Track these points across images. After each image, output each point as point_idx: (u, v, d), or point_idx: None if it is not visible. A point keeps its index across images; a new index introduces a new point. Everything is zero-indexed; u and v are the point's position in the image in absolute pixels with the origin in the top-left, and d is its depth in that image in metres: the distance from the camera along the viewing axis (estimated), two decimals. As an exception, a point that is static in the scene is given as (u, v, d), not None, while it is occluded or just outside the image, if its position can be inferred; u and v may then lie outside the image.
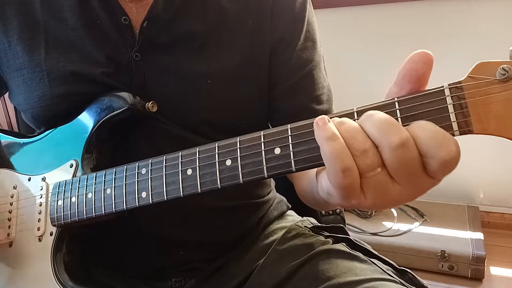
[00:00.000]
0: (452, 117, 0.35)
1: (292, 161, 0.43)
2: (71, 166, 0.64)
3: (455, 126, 0.35)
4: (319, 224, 0.77)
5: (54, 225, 0.63)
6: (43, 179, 0.66)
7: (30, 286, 0.64)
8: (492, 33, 1.76)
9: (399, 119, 0.37)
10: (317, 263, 0.65)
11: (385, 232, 1.78)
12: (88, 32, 0.63)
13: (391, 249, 1.70)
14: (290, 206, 0.85)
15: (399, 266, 0.66)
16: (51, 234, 0.63)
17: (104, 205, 0.57)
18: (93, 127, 0.63)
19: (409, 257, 1.68)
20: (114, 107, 0.61)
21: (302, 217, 0.81)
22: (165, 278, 0.72)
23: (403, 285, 0.61)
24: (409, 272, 0.64)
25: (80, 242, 0.66)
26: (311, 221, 0.79)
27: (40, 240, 0.64)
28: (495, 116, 0.33)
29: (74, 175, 0.63)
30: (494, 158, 1.93)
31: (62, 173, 0.64)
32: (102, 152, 0.65)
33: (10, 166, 0.73)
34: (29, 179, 0.69)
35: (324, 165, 0.40)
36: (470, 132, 0.35)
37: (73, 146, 0.65)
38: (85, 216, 0.59)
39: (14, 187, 0.70)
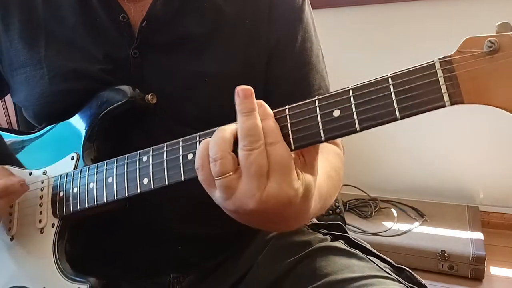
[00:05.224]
0: (443, 89, 0.37)
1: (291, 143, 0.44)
2: (72, 158, 0.64)
3: (446, 97, 0.37)
4: (318, 222, 0.77)
5: (56, 217, 0.64)
6: (44, 173, 0.67)
7: (32, 277, 0.65)
8: (491, 34, 1.75)
9: (393, 93, 0.39)
10: (314, 259, 0.66)
11: (385, 232, 1.78)
12: (87, 30, 0.64)
13: (391, 249, 1.70)
14: None
15: (397, 265, 0.66)
16: (52, 226, 0.64)
17: (105, 194, 0.58)
18: (95, 119, 0.64)
19: (409, 257, 1.67)
20: (114, 100, 0.62)
21: None
22: (164, 273, 0.73)
23: (401, 282, 0.61)
24: (407, 270, 0.65)
25: (82, 234, 0.66)
26: (311, 221, 0.79)
27: (42, 232, 0.65)
28: (483, 86, 0.36)
29: (75, 167, 0.64)
30: (494, 158, 1.93)
31: (64, 166, 0.65)
32: (102, 145, 0.65)
33: (10, 163, 0.73)
34: (30, 174, 0.69)
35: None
36: (461, 102, 0.37)
37: (74, 139, 0.66)
38: (86, 205, 0.60)
39: None
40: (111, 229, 0.68)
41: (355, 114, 0.41)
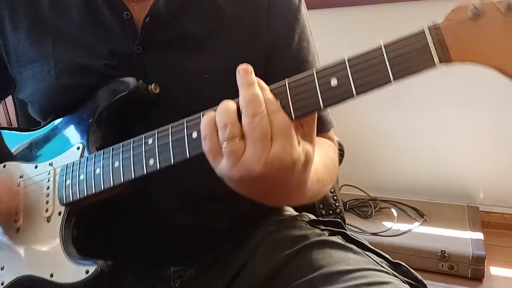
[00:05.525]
0: (433, 51, 0.40)
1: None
2: (78, 148, 0.66)
3: (435, 58, 0.40)
4: (316, 218, 0.79)
5: (62, 205, 0.65)
6: (50, 164, 0.69)
7: (40, 265, 0.66)
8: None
9: (386, 59, 0.42)
10: (311, 252, 0.67)
11: (385, 232, 1.78)
12: (93, 28, 0.67)
13: (391, 249, 1.70)
14: None
15: (394, 260, 0.68)
16: (59, 214, 0.65)
17: (112, 177, 0.59)
18: (100, 111, 0.65)
19: (409, 257, 1.68)
20: (119, 91, 0.64)
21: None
22: (164, 266, 0.74)
23: (396, 276, 0.63)
24: (404, 266, 0.66)
25: (87, 221, 0.68)
26: (309, 216, 0.80)
27: (48, 221, 0.66)
28: (469, 47, 0.40)
29: (81, 157, 0.65)
30: (494, 158, 1.93)
31: (69, 156, 0.67)
32: (107, 136, 0.67)
33: (16, 159, 0.75)
34: (36, 167, 0.71)
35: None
36: (449, 61, 0.40)
37: (79, 131, 0.67)
38: (93, 190, 0.60)
39: (20, 176, 0.73)
40: (114, 220, 0.69)
41: (351, 81, 0.43)
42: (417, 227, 1.81)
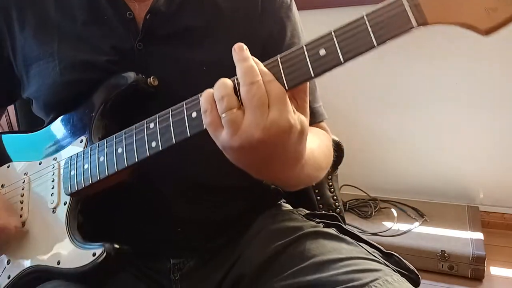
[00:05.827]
0: (410, 15, 0.44)
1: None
2: (81, 141, 0.68)
3: (413, 20, 0.44)
4: (312, 212, 0.81)
5: (68, 195, 0.67)
6: (55, 159, 0.71)
7: (47, 254, 0.67)
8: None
9: (369, 26, 0.45)
10: (304, 242, 0.69)
11: (385, 232, 1.79)
12: (96, 27, 0.70)
13: (391, 249, 1.68)
14: (284, 199, 0.88)
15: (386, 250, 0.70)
16: (64, 204, 0.67)
17: (116, 163, 0.61)
18: (102, 104, 0.67)
19: (409, 257, 1.65)
20: (119, 85, 0.66)
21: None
22: (164, 258, 0.75)
23: (387, 266, 0.65)
24: (396, 256, 0.69)
25: (92, 209, 0.69)
26: (306, 211, 0.82)
27: (54, 211, 0.68)
28: (442, 9, 0.44)
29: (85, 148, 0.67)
30: (494, 158, 1.94)
31: (73, 149, 0.69)
32: (109, 129, 0.68)
33: (20, 159, 0.77)
34: (40, 163, 0.73)
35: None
36: (426, 23, 0.44)
37: (82, 125, 0.70)
38: (98, 177, 0.62)
39: (25, 173, 0.75)
40: (116, 211, 0.71)
41: (338, 49, 0.46)
42: (417, 227, 1.82)
